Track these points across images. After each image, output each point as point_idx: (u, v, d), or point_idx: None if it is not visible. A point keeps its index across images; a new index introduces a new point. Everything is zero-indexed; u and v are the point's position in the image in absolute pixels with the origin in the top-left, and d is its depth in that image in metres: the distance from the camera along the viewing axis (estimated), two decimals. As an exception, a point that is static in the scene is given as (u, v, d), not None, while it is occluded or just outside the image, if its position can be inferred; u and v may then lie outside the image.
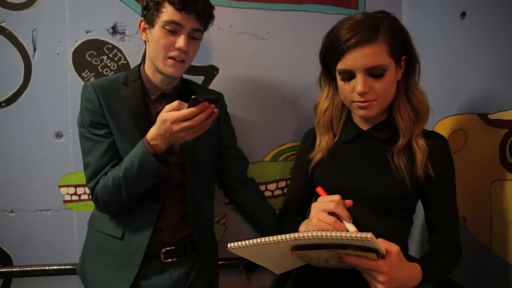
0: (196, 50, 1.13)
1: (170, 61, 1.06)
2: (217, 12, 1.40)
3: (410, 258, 1.01)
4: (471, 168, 1.17)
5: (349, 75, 0.89)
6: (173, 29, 1.04)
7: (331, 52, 0.89)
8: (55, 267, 1.31)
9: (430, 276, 0.85)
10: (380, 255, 0.76)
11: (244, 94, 1.45)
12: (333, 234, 0.70)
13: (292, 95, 1.46)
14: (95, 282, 1.12)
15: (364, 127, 1.00)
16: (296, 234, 0.72)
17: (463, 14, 1.19)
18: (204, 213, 1.24)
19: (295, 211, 0.96)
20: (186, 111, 0.92)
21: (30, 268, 1.32)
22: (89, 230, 1.18)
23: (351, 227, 0.82)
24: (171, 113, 0.93)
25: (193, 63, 1.40)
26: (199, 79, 1.41)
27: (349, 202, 0.86)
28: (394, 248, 0.78)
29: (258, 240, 0.75)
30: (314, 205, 0.87)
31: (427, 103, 0.97)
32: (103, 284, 1.10)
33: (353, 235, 0.69)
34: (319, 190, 0.91)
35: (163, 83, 1.14)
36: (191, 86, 1.26)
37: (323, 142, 1.01)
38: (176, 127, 0.93)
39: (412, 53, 0.94)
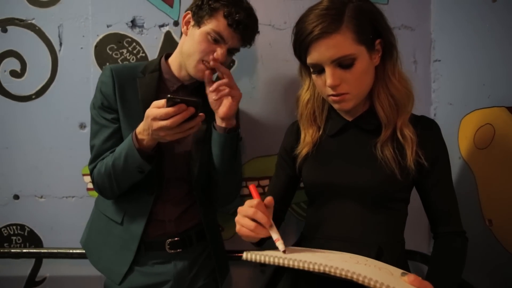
0: (226, 65, 1.13)
1: (202, 66, 1.06)
2: (234, 3, 1.39)
3: (407, 253, 0.95)
4: (498, 166, 1.07)
5: (318, 69, 0.85)
6: (217, 39, 1.04)
7: (298, 45, 0.85)
8: (77, 251, 1.38)
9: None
10: None
11: (261, 86, 1.43)
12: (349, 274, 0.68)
13: (310, 87, 1.41)
14: (100, 260, 1.16)
15: (349, 117, 0.95)
16: (316, 266, 0.70)
17: (495, -3, 1.08)
18: (212, 204, 1.24)
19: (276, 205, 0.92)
20: (162, 110, 0.89)
21: (56, 251, 1.41)
22: (95, 209, 1.23)
23: (274, 234, 0.79)
24: (151, 110, 0.92)
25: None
26: (215, 71, 1.41)
27: (269, 199, 0.81)
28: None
29: (276, 259, 0.75)
30: (238, 209, 0.83)
31: (406, 89, 0.89)
32: (107, 264, 1.15)
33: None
34: (251, 188, 0.84)
35: (185, 79, 1.14)
36: None
37: (307, 136, 0.97)
38: (155, 125, 0.91)
39: (386, 36, 0.86)
